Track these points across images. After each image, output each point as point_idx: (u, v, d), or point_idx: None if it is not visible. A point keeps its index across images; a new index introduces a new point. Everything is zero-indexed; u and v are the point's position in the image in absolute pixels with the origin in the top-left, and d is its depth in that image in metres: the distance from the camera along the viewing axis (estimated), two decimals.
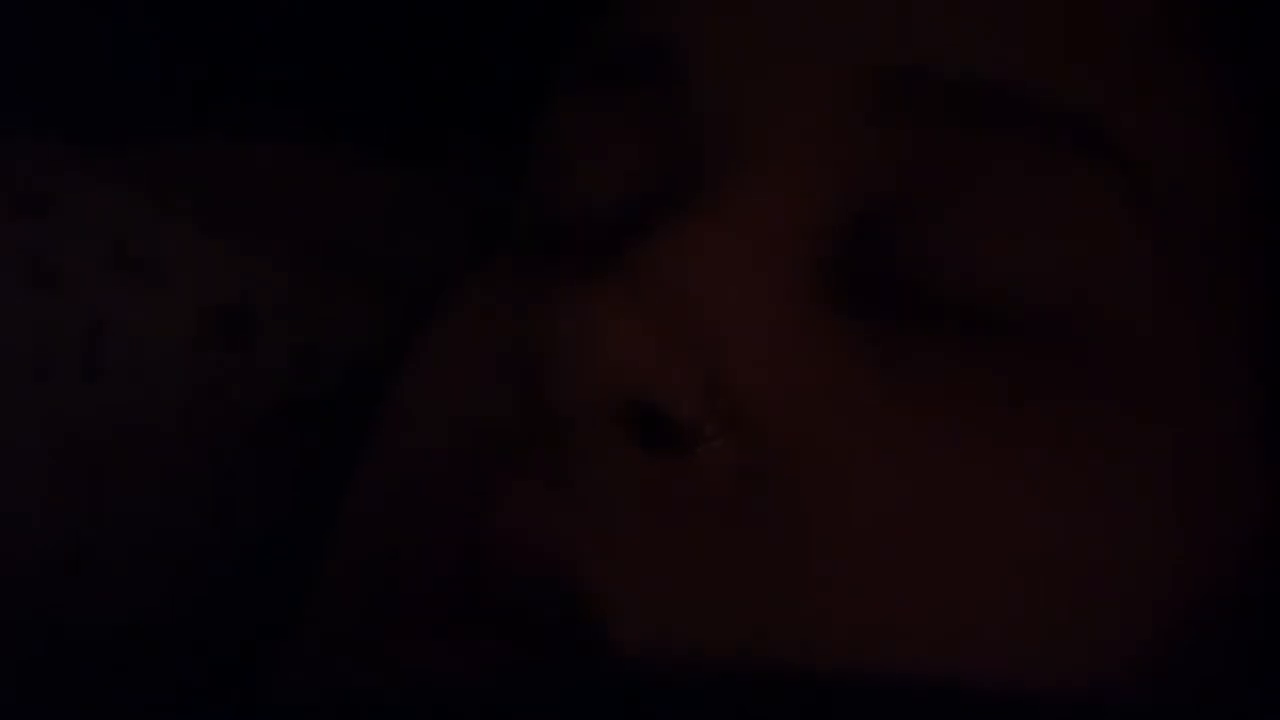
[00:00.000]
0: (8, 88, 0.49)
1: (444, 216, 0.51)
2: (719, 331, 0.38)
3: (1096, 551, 0.38)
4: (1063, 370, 0.39)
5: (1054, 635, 0.38)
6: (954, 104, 0.39)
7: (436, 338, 0.44)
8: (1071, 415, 0.39)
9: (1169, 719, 0.39)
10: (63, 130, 0.48)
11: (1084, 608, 0.38)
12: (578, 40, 0.45)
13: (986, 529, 0.38)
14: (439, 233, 0.51)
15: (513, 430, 0.39)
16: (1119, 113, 0.39)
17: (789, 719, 0.36)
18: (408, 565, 0.39)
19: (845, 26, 0.40)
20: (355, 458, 0.44)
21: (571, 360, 0.38)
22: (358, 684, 0.38)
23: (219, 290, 0.48)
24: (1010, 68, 0.39)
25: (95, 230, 0.47)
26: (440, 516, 0.39)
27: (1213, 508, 0.40)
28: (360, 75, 0.51)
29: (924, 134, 0.40)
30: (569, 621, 0.37)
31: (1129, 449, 0.39)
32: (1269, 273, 0.41)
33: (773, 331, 0.39)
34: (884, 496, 0.38)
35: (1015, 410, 0.39)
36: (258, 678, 0.43)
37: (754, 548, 0.38)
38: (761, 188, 0.40)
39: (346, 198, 0.51)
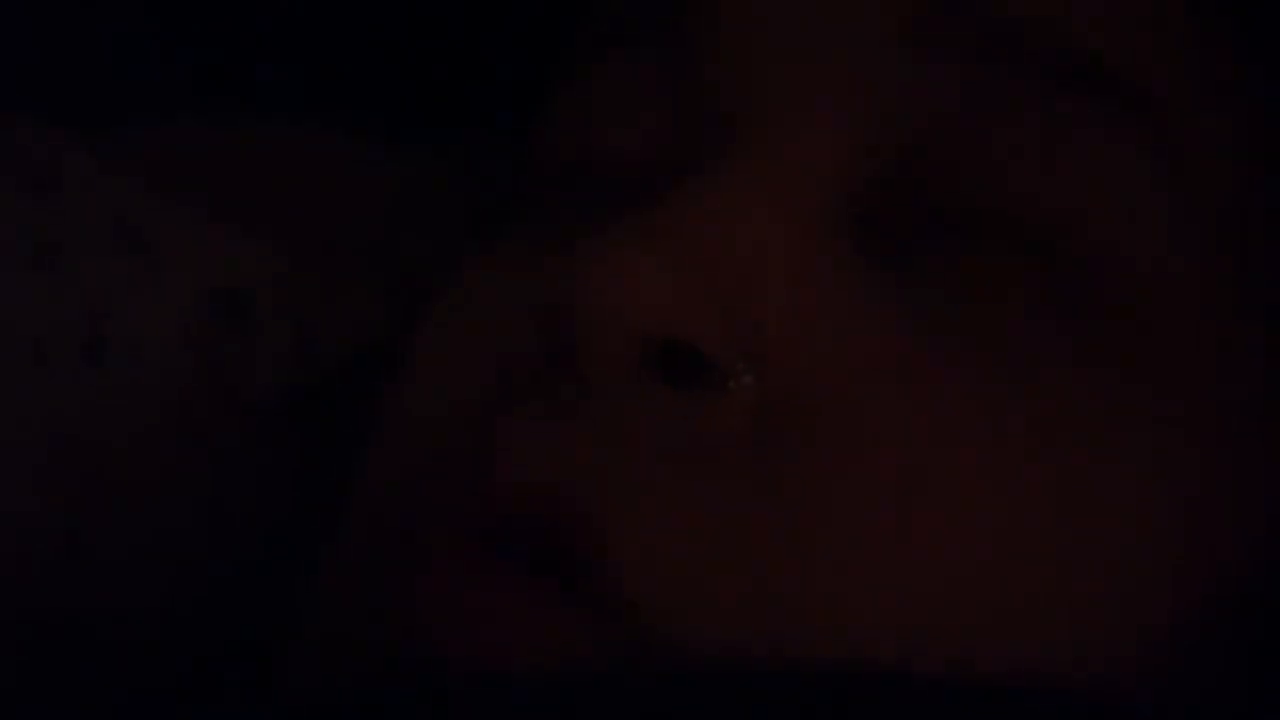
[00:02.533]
0: (15, 68, 0.48)
1: (445, 207, 0.52)
2: (744, 271, 0.39)
3: (1105, 520, 0.39)
4: (1082, 328, 0.39)
5: (1059, 606, 0.38)
6: (984, 41, 0.40)
7: (452, 296, 0.44)
8: (1087, 377, 0.39)
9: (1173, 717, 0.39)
10: (69, 110, 0.48)
11: (1091, 583, 0.39)
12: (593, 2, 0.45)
13: (997, 478, 0.38)
14: (440, 222, 0.51)
15: (532, 375, 0.39)
16: (1146, 66, 0.40)
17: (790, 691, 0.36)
18: (427, 515, 0.39)
19: None
20: (364, 431, 0.44)
21: (596, 298, 0.38)
22: (379, 644, 0.38)
23: (220, 275, 0.48)
24: (1039, 11, 0.40)
25: (99, 212, 0.47)
26: (456, 463, 0.39)
27: (1223, 485, 0.40)
28: (363, 65, 0.51)
29: (951, 72, 0.40)
30: (583, 563, 0.37)
31: (1141, 415, 0.39)
32: None
33: (797, 272, 0.39)
34: (901, 437, 0.38)
35: (1034, 360, 0.39)
36: (272, 657, 0.43)
37: (772, 488, 0.38)
38: (785, 134, 0.40)
39: (348, 186, 0.51)
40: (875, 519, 0.38)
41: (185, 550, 0.47)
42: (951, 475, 0.38)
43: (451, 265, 0.46)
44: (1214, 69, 0.41)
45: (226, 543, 0.48)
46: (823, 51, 0.41)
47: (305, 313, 0.49)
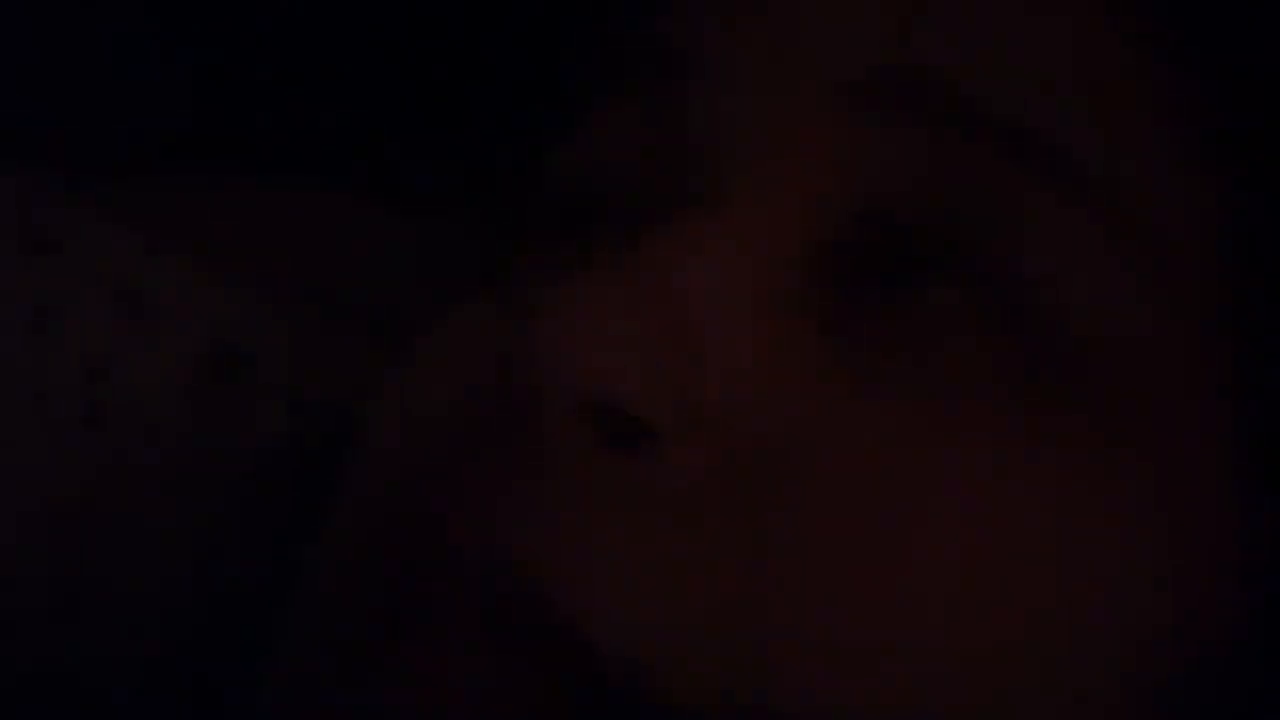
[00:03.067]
0: (17, 123, 0.49)
1: (444, 262, 0.52)
2: (697, 334, 0.39)
3: (1082, 565, 0.39)
4: (1052, 381, 0.39)
5: (1044, 650, 0.38)
6: (926, 110, 0.40)
7: (424, 350, 0.44)
8: (1062, 426, 0.39)
9: None
10: (70, 166, 0.49)
11: (1072, 623, 0.38)
12: (589, 49, 0.46)
13: (972, 538, 0.38)
14: (439, 279, 0.51)
15: (488, 432, 0.39)
16: (1088, 136, 0.40)
17: None
18: (386, 573, 0.39)
19: (841, 29, 0.41)
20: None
21: (542, 356, 0.38)
22: (342, 699, 0.38)
23: (217, 334, 0.48)
24: (992, 89, 0.40)
25: (98, 272, 0.48)
26: (415, 520, 0.39)
27: (1197, 523, 0.40)
28: (361, 122, 0.51)
29: (900, 137, 0.40)
30: (537, 617, 0.37)
31: (1115, 458, 0.39)
32: (1244, 294, 0.41)
33: (752, 338, 0.39)
34: (855, 508, 0.38)
35: (998, 421, 0.39)
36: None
37: (721, 554, 0.38)
38: (752, 194, 0.40)
39: (346, 243, 0.51)
40: (824, 587, 0.38)
41: (180, 610, 0.47)
42: (911, 530, 0.38)
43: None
44: (1171, 140, 0.41)
45: (222, 603, 0.48)
46: (778, 114, 0.41)
47: (303, 371, 0.49)
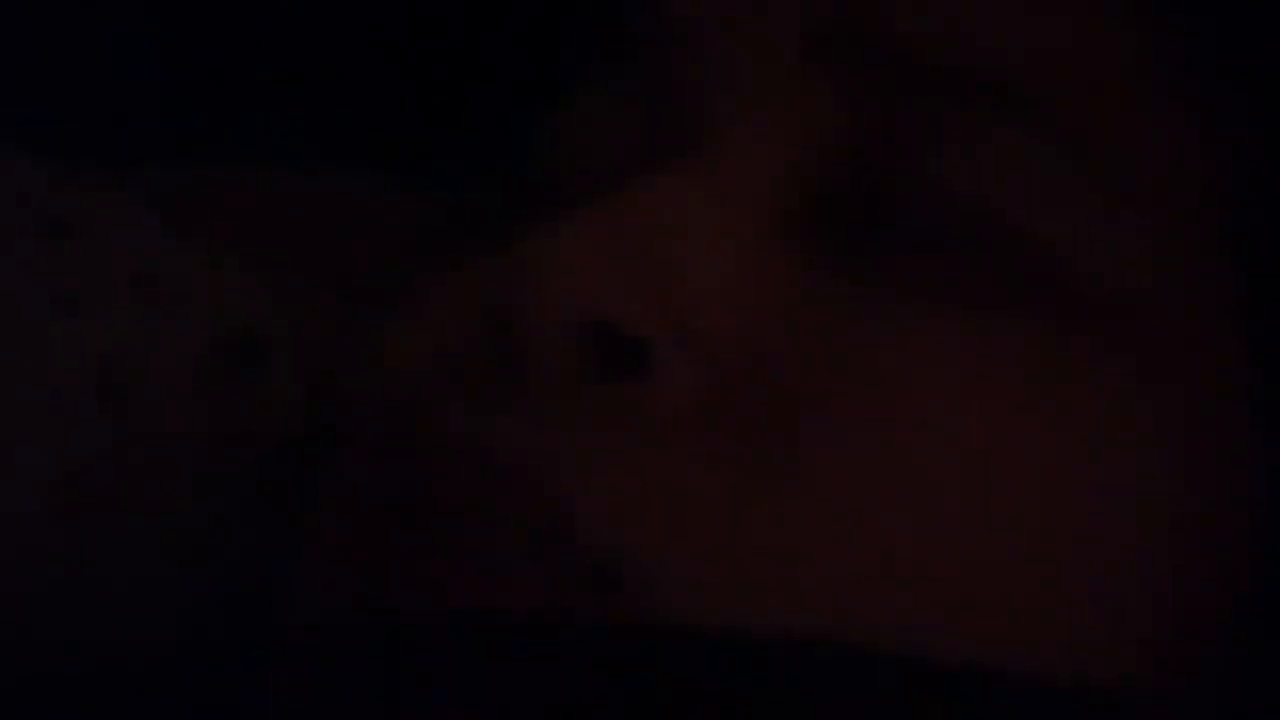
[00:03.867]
0: (32, 107, 0.49)
1: (462, 246, 0.52)
2: (680, 262, 0.39)
3: (1089, 486, 0.39)
4: (1044, 304, 0.40)
5: (1055, 568, 0.38)
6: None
7: (406, 306, 0.45)
8: (1057, 346, 0.40)
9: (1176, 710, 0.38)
10: (85, 151, 0.49)
11: (1084, 544, 0.39)
12: (580, 23, 0.47)
13: (967, 455, 0.39)
14: (460, 260, 0.51)
15: (480, 372, 0.40)
16: (1075, 90, 0.41)
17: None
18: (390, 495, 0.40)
19: None
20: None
21: (532, 284, 0.39)
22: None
23: (233, 319, 0.48)
24: (974, 48, 0.41)
25: (113, 256, 0.48)
26: (411, 448, 0.40)
27: (1211, 443, 0.40)
28: (378, 103, 0.51)
29: (882, 85, 0.41)
30: (536, 532, 0.38)
31: (1118, 377, 0.40)
32: (1245, 215, 0.42)
33: (735, 265, 0.40)
34: (852, 426, 0.39)
35: (995, 340, 0.40)
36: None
37: (715, 475, 0.38)
38: (728, 139, 0.42)
39: (364, 228, 0.51)
40: (837, 496, 0.38)
41: (194, 596, 0.47)
42: (907, 447, 0.39)
43: None
44: (1128, 60, 0.42)
45: (234, 587, 0.48)
46: (745, 73, 0.43)
47: (320, 356, 0.49)
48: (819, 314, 0.40)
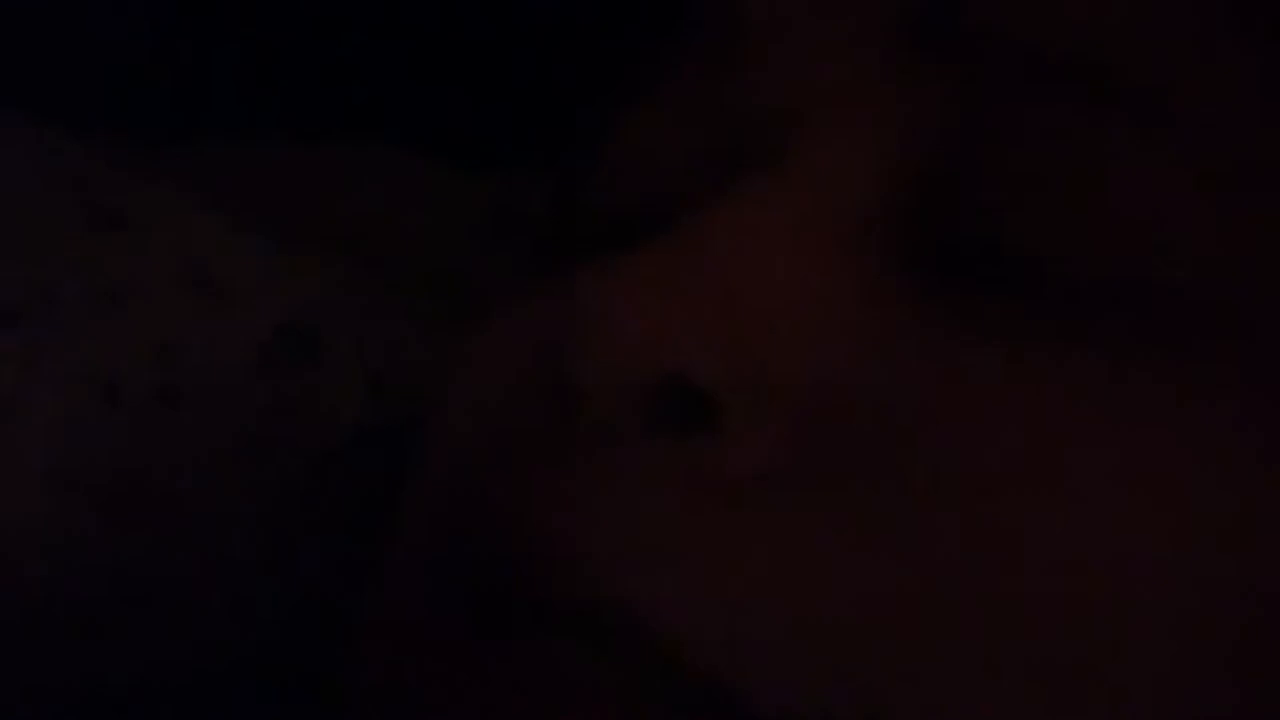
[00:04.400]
0: (89, 91, 0.48)
1: (528, 235, 0.50)
2: (757, 306, 0.36)
3: (1209, 512, 0.35)
4: (1144, 335, 0.36)
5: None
6: (1002, 57, 0.37)
7: (482, 340, 0.42)
8: (1171, 369, 0.36)
9: None
10: (140, 135, 0.48)
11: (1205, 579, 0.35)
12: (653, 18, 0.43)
13: (1097, 521, 0.34)
14: (521, 250, 0.50)
15: (540, 420, 0.36)
16: (1175, 80, 0.37)
17: None
18: (443, 578, 0.37)
19: None
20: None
21: (596, 332, 0.35)
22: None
23: (289, 310, 0.47)
24: (1067, 32, 0.37)
25: (166, 249, 0.47)
26: (469, 523, 0.37)
27: None
28: (446, 89, 0.50)
29: (972, 89, 0.37)
30: (597, 621, 0.34)
31: (1232, 404, 0.36)
32: None
33: (819, 307, 0.36)
34: (959, 481, 0.35)
35: (1107, 369, 0.36)
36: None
37: (799, 532, 0.34)
38: (811, 157, 0.38)
39: (426, 214, 0.50)
40: (950, 568, 0.34)
41: (251, 590, 0.46)
42: (1031, 504, 0.35)
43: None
44: (1243, 76, 0.38)
45: (293, 584, 0.47)
46: (828, 76, 0.39)
47: (376, 347, 0.48)
48: (913, 355, 0.36)
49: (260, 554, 0.47)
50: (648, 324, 0.35)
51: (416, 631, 0.37)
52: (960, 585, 0.34)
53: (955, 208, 0.37)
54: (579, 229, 0.42)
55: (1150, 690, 0.34)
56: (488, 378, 0.40)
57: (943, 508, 0.34)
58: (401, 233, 0.50)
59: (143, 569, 0.46)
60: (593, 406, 0.35)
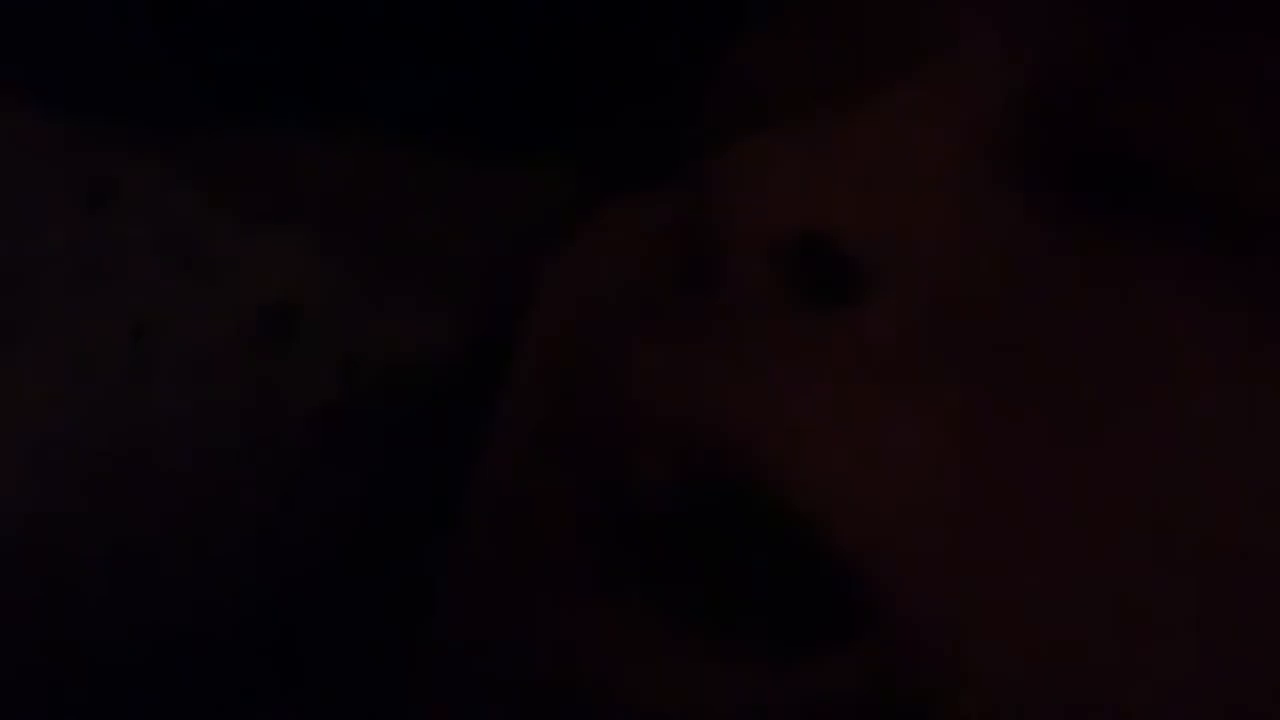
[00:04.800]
0: (72, 69, 0.48)
1: (512, 215, 0.50)
2: (896, 180, 0.35)
3: None
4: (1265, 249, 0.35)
5: None
6: None
7: (586, 233, 0.41)
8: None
9: None
10: (125, 116, 0.48)
11: None
12: None
13: (1207, 432, 0.34)
14: (506, 232, 0.50)
15: (664, 298, 0.36)
16: None
17: None
18: (547, 512, 0.36)
19: None
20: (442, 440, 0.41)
21: (743, 193, 0.34)
22: (507, 667, 0.35)
23: (270, 289, 0.47)
24: None
25: (148, 223, 0.47)
26: (588, 413, 0.36)
27: None
28: (425, 68, 0.50)
29: (1113, 10, 0.37)
30: (732, 500, 0.33)
31: None
32: None
33: (954, 188, 0.36)
34: (1069, 365, 0.34)
35: (1219, 305, 0.35)
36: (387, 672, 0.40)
37: (932, 408, 0.34)
38: (945, 59, 0.37)
39: (411, 195, 0.50)
40: (1050, 457, 0.34)
41: (230, 567, 0.46)
42: (1138, 409, 0.34)
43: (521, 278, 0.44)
44: None
45: (271, 561, 0.47)
46: None
47: (355, 330, 0.48)
48: (1041, 250, 0.35)
49: (241, 531, 0.47)
50: (797, 184, 0.35)
51: (535, 537, 0.36)
52: (1076, 479, 0.33)
53: (1089, 117, 0.36)
54: (685, 143, 0.41)
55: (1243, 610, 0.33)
56: (593, 274, 0.39)
57: (1066, 400, 0.34)
58: (388, 213, 0.50)
59: (125, 546, 0.46)
60: (736, 271, 0.34)
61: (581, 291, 0.39)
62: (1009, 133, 0.36)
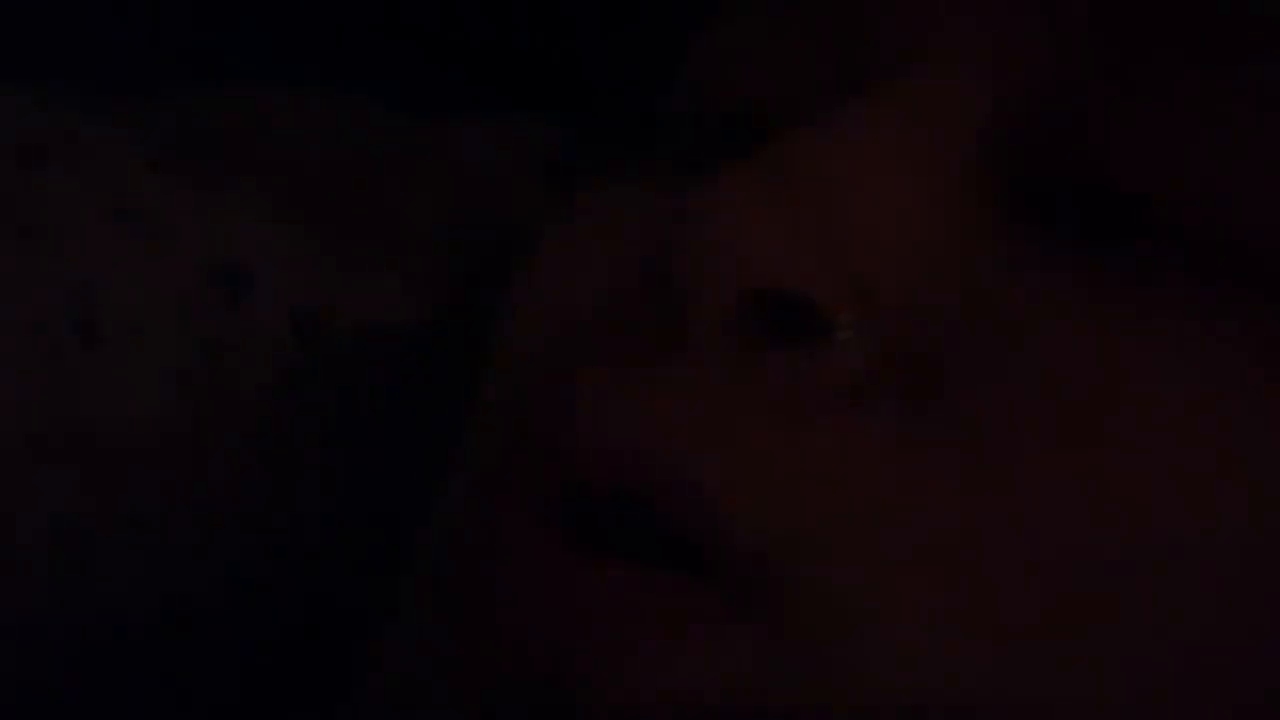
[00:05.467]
0: (11, 34, 0.46)
1: (468, 173, 0.49)
2: (862, 220, 0.35)
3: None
4: (1237, 294, 0.35)
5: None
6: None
7: (549, 249, 0.41)
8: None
9: None
10: (66, 78, 0.46)
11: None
12: None
13: (1176, 481, 0.34)
14: (460, 190, 0.48)
15: (627, 324, 0.36)
16: None
17: None
18: (509, 499, 0.35)
19: None
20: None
21: (698, 243, 0.35)
22: (469, 656, 0.35)
23: (219, 251, 0.45)
24: None
25: (91, 185, 0.45)
26: (537, 421, 0.36)
27: None
28: (384, 24, 0.48)
29: (1093, 31, 0.37)
30: (679, 530, 0.34)
31: None
32: None
33: (921, 225, 0.36)
34: (1029, 404, 0.34)
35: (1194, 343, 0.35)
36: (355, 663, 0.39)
37: (886, 449, 0.34)
38: (927, 71, 0.37)
39: (362, 152, 0.48)
40: (1030, 489, 0.34)
41: (182, 539, 0.45)
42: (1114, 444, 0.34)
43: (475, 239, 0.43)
44: None
45: (223, 533, 0.45)
46: (956, 9, 0.38)
47: (310, 291, 0.46)
48: (1005, 285, 0.35)
49: (195, 489, 0.45)
50: (753, 233, 0.35)
51: (495, 553, 0.35)
52: (1031, 515, 0.34)
53: (1062, 149, 0.36)
54: (664, 135, 0.41)
55: (1192, 650, 0.34)
56: (564, 290, 0.39)
57: (1021, 438, 0.34)
58: (343, 173, 0.48)
59: (74, 516, 0.44)
60: (697, 314, 0.35)
61: (551, 308, 0.39)
62: (984, 163, 0.36)
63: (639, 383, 0.35)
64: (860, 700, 0.33)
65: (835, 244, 0.35)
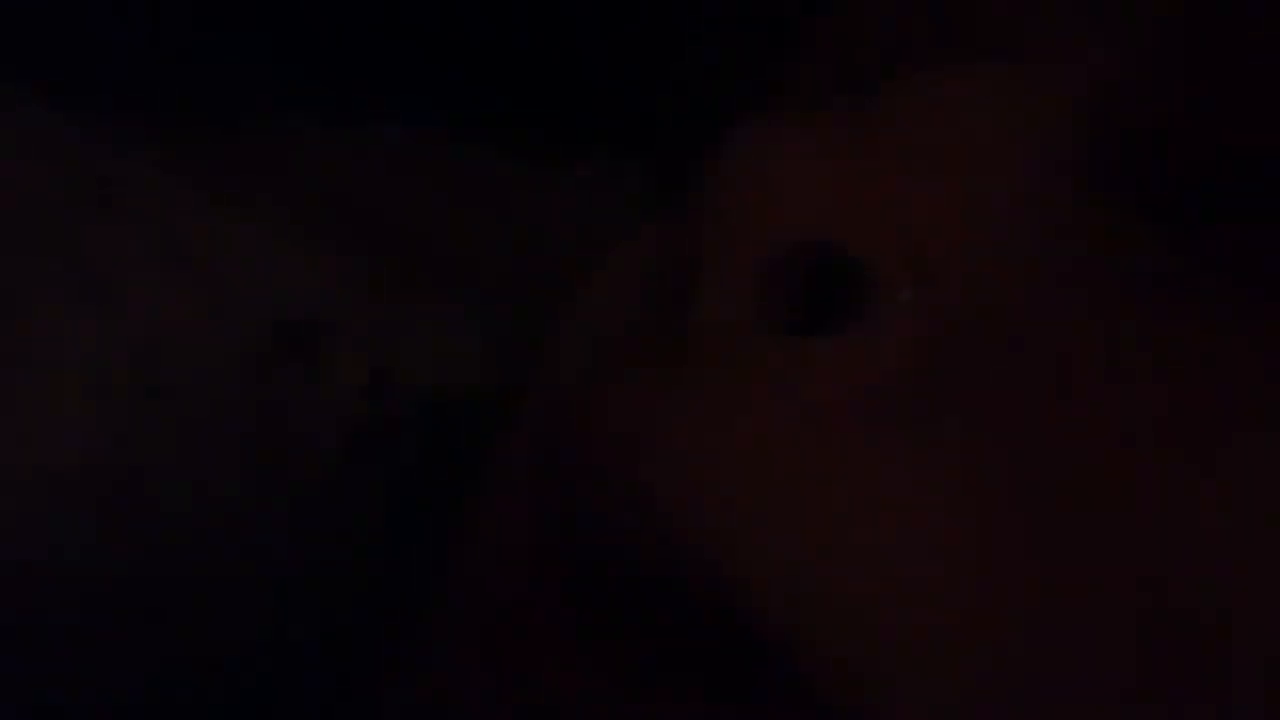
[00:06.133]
0: (81, 66, 0.45)
1: (553, 220, 0.47)
2: (933, 195, 0.31)
3: None
4: None
5: None
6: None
7: (600, 270, 0.37)
8: None
9: None
10: (136, 115, 0.44)
11: None
12: None
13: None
14: (545, 237, 0.46)
15: (648, 325, 0.32)
16: None
17: None
18: (522, 563, 0.33)
19: None
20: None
21: (728, 193, 0.31)
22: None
23: (285, 305, 0.44)
24: None
25: (153, 233, 0.43)
26: (556, 484, 0.32)
27: None
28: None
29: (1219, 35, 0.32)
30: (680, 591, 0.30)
31: None
32: None
33: (996, 217, 0.31)
34: (1103, 404, 0.30)
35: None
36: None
37: (900, 468, 0.29)
38: (1017, 65, 0.33)
39: (434, 196, 0.46)
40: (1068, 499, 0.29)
41: (242, 596, 0.44)
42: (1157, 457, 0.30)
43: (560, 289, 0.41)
44: None
45: (284, 593, 0.44)
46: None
47: (380, 347, 0.44)
48: (1072, 292, 0.31)
49: (257, 558, 0.44)
50: (809, 180, 0.31)
51: (512, 607, 0.33)
52: (1062, 567, 0.29)
53: (1164, 158, 0.31)
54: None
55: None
56: (605, 304, 0.36)
57: (1055, 468, 0.29)
58: (420, 221, 0.46)
59: (139, 573, 0.43)
60: (712, 295, 0.31)
61: (590, 324, 0.36)
62: (1068, 163, 0.32)
63: (653, 395, 0.31)
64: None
65: (902, 210, 0.31)
